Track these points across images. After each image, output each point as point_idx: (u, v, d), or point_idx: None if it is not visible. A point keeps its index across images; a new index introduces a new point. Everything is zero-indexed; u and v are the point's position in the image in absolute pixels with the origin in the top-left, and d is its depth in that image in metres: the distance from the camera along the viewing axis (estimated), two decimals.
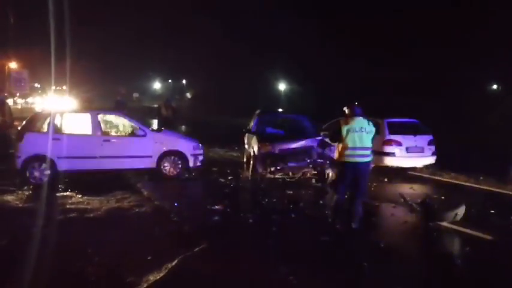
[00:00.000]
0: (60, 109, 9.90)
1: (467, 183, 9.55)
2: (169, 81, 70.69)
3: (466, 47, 22.42)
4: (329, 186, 6.32)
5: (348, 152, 5.82)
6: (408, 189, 8.61)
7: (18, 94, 38.76)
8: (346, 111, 6.05)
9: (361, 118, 5.95)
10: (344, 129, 5.84)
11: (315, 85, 31.37)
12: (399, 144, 10.01)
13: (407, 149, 10.07)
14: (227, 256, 4.89)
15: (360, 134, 5.82)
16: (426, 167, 10.67)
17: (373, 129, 6.03)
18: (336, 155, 6.13)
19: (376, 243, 5.49)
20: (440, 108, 20.81)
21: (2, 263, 4.50)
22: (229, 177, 9.45)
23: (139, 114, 14.89)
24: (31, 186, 7.98)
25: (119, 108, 9.98)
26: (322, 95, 30.12)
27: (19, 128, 8.66)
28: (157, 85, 71.35)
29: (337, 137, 5.94)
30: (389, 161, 10.09)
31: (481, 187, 9.21)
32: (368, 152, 5.97)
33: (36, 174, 8.27)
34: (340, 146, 5.92)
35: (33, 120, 8.71)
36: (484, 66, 21.36)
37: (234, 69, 40.87)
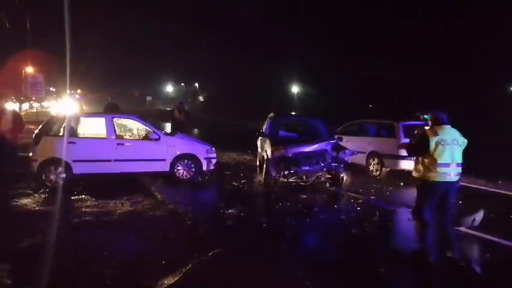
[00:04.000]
0: (75, 113, 10.00)
1: (485, 188, 9.36)
2: (182, 84, 71.20)
3: (486, 46, 21.99)
4: (412, 212, 5.37)
5: (437, 169, 4.81)
6: None
7: (34, 98, 39.43)
8: (429, 118, 5.06)
9: (450, 127, 4.96)
10: (432, 141, 4.78)
11: (327, 87, 31.27)
12: None
13: None
14: (241, 260, 4.86)
15: (452, 146, 4.83)
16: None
17: (466, 141, 5.01)
18: (418, 173, 5.01)
19: (393, 248, 5.41)
20: (458, 110, 20.47)
21: (20, 265, 4.54)
22: (243, 181, 9.43)
23: (153, 118, 14.96)
24: (47, 190, 8.06)
25: (110, 112, 9.63)
26: (334, 97, 30.02)
27: (35, 132, 8.77)
28: (170, 88, 71.94)
29: (422, 150, 4.87)
30: (405, 165, 9.93)
31: (500, 191, 9.02)
32: (460, 169, 4.96)
33: (52, 177, 8.35)
34: (426, 161, 4.85)
35: (49, 124, 8.82)
36: (505, 67, 20.92)
37: (247, 72, 40.95)
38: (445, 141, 4.80)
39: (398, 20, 27.00)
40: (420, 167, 4.94)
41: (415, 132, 5.30)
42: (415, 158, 5.15)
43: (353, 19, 30.55)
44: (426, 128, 5.04)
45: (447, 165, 4.81)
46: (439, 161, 4.77)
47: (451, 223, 5.12)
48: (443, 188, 4.87)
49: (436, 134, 4.82)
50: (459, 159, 4.90)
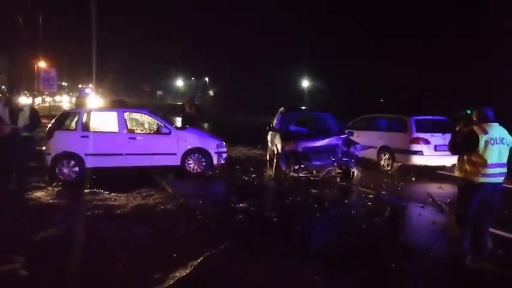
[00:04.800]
0: (88, 107, 10.10)
1: None
2: (192, 79, 71.33)
3: (496, 41, 21.56)
4: (453, 214, 5.03)
5: (485, 170, 4.50)
6: (437, 189, 8.41)
7: (46, 92, 39.92)
8: (475, 114, 4.70)
9: (498, 125, 4.66)
10: (482, 139, 4.45)
11: (336, 82, 31.12)
12: (427, 142, 9.78)
13: (436, 148, 9.83)
14: (252, 254, 4.88)
15: (499, 146, 4.53)
16: (455, 166, 10.38)
17: None
18: (463, 173, 4.68)
19: (404, 243, 5.38)
20: (473, 105, 20.12)
21: (34, 257, 4.62)
22: (253, 175, 9.44)
23: (163, 112, 15.03)
24: (60, 183, 8.17)
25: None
26: (343, 91, 29.88)
27: (49, 126, 8.89)
28: (180, 83, 72.13)
29: (470, 148, 4.54)
30: (417, 160, 9.88)
31: None
32: (506, 170, 4.67)
33: (65, 171, 8.47)
34: (473, 160, 4.54)
35: (62, 118, 8.94)
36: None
37: (257, 66, 40.88)
38: (494, 140, 4.49)
39: (405, 17, 26.69)
40: (466, 166, 4.61)
41: (457, 129, 4.96)
42: (457, 156, 4.86)
43: (361, 16, 30.30)
44: (474, 125, 4.65)
45: (495, 165, 4.53)
46: (488, 162, 4.48)
47: (490, 226, 4.88)
48: (490, 189, 4.59)
49: (485, 132, 4.50)
50: (505, 159, 4.61)
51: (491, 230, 5.73)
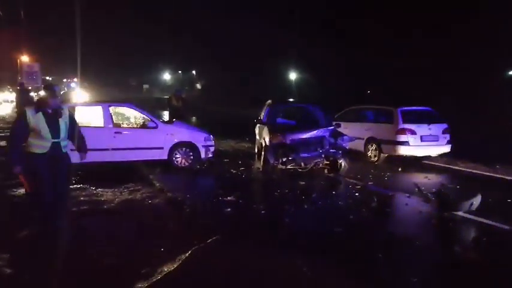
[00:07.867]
0: (72, 102, 9.94)
1: (483, 172, 9.40)
2: (179, 72, 70.76)
3: (481, 29, 21.65)
4: None
5: None
6: (423, 179, 8.51)
7: (30, 88, 39.15)
8: None
9: None
10: None
11: (324, 74, 31.16)
12: (413, 133, 9.88)
13: (422, 138, 9.95)
14: (240, 247, 4.88)
15: None
16: (441, 156, 10.54)
17: None
18: None
19: (391, 233, 5.44)
20: (455, 96, 20.37)
21: (19, 254, 4.55)
22: (241, 169, 9.43)
23: (150, 106, 14.90)
24: None
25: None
26: (331, 83, 29.94)
27: None
28: (167, 76, 71.57)
29: None
30: (403, 150, 9.98)
31: (498, 176, 9.06)
32: None
33: None
34: None
35: None
36: (503, 51, 20.60)
37: (244, 59, 40.66)
38: None
39: (394, 8, 26.76)
40: None
41: None
42: None
43: (349, 8, 30.33)
44: None
45: None
46: None
47: None
48: None
49: None
50: None
51: (478, 219, 5.85)
